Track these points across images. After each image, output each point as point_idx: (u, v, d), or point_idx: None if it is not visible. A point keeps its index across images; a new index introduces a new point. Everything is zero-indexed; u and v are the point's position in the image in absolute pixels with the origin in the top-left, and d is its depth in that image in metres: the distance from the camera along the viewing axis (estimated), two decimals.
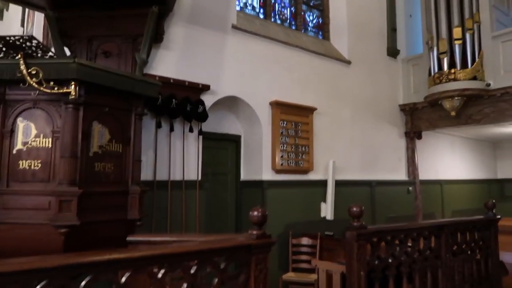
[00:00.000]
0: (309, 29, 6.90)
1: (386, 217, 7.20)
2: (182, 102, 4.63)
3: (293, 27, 6.64)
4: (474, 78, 6.51)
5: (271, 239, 2.00)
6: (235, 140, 5.87)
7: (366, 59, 7.24)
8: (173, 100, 4.54)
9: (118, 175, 3.60)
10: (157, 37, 4.58)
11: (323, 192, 6.14)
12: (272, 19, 6.35)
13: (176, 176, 4.65)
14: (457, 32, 6.61)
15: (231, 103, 5.56)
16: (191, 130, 4.70)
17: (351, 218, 2.54)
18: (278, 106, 5.65)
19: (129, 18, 4.48)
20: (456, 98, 6.64)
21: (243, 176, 5.81)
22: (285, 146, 5.68)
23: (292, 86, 5.98)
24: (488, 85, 6.50)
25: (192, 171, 4.81)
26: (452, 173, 9.20)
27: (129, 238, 2.58)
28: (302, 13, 6.80)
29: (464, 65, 6.53)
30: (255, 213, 1.98)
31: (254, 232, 1.97)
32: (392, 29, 7.78)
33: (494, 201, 3.79)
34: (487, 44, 6.60)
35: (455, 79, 6.54)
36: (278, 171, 5.62)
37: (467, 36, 6.56)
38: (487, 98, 6.61)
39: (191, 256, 1.72)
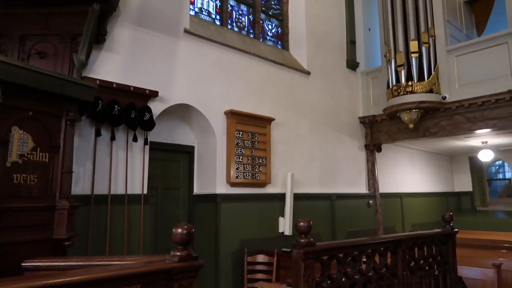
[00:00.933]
0: (268, 39, 6.72)
1: (346, 232, 7.03)
2: (126, 109, 4.26)
3: (251, 36, 6.45)
4: (431, 91, 6.53)
5: (198, 262, 1.68)
6: (188, 152, 5.52)
7: (326, 71, 7.14)
8: (116, 106, 4.16)
9: (43, 188, 3.18)
10: (99, 38, 4.21)
11: (281, 206, 5.87)
12: (229, 26, 6.13)
13: (118, 190, 4.23)
14: (413, 45, 6.65)
15: (183, 112, 5.24)
16: (135, 139, 4.31)
17: (297, 234, 2.27)
18: (234, 116, 5.38)
19: (67, 16, 4.11)
20: (413, 110, 6.64)
21: (196, 190, 5.46)
22: (240, 158, 5.39)
23: (248, 95, 5.73)
24: (444, 98, 6.55)
25: (137, 184, 4.41)
26: (411, 186, 9.24)
27: (25, 264, 2.16)
28: (261, 22, 6.63)
29: (421, 78, 6.56)
30: (179, 230, 1.66)
31: (177, 253, 1.65)
32: (351, 42, 7.77)
33: (451, 213, 3.65)
34: (442, 58, 6.67)
35: (412, 92, 6.54)
36: (233, 184, 5.30)
37: (423, 49, 6.61)
38: (443, 111, 6.65)
39: (91, 286, 1.37)
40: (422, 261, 3.22)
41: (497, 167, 11.20)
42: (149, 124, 4.42)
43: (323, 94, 7.02)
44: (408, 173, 9.22)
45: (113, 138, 4.15)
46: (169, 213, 5.22)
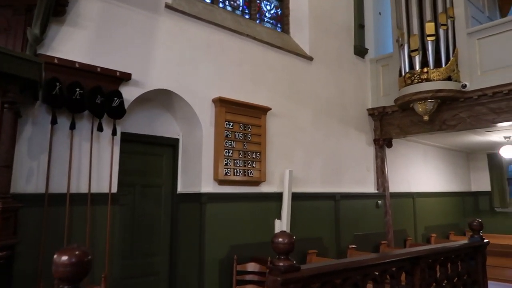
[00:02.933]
0: (265, 20, 6.03)
1: (353, 235, 6.33)
2: (91, 93, 3.62)
3: (247, 16, 5.76)
4: (449, 79, 5.79)
5: None
6: (171, 145, 4.88)
7: (331, 57, 6.43)
8: (77, 89, 3.52)
9: None
10: (58, 9, 3.57)
11: (278, 207, 5.19)
12: (221, 5, 5.45)
13: (81, 188, 3.60)
14: (429, 27, 5.91)
15: (165, 99, 4.60)
16: (100, 129, 3.66)
17: (276, 254, 1.60)
18: (223, 104, 4.71)
19: None
20: (429, 100, 5.89)
21: (181, 188, 4.81)
22: (230, 152, 4.73)
23: (241, 81, 5.06)
24: (464, 86, 5.79)
25: (105, 181, 3.78)
26: (424, 185, 8.47)
27: None
28: (258, 1, 5.94)
29: (437, 64, 5.81)
30: (64, 257, 1.01)
31: None
32: (359, 26, 7.04)
33: (480, 220, 2.94)
34: (462, 41, 5.92)
35: (427, 79, 5.80)
36: (221, 182, 4.65)
37: (441, 32, 5.87)
38: (462, 101, 5.90)
39: None
40: (445, 282, 2.53)
41: None
42: (119, 112, 3.77)
43: (328, 82, 6.31)
44: (421, 171, 8.45)
45: (72, 127, 3.51)
46: (149, 215, 4.58)
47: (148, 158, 4.68)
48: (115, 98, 3.74)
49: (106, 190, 3.74)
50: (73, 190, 3.53)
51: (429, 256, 2.31)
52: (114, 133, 3.76)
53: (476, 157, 10.29)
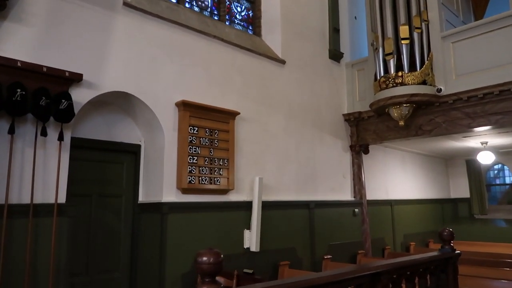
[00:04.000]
0: (236, 22, 5.82)
1: (328, 245, 6.09)
2: (34, 95, 3.31)
3: (216, 18, 5.54)
4: (424, 83, 5.66)
5: None
6: (133, 152, 4.58)
7: (304, 60, 6.24)
8: (18, 90, 3.21)
9: None
10: None
11: (247, 216, 4.93)
12: (188, 5, 5.22)
13: (23, 198, 3.28)
14: (403, 30, 5.77)
15: (125, 103, 4.32)
16: (43, 133, 3.35)
17: (200, 275, 1.34)
18: (187, 108, 4.45)
19: None
20: (404, 105, 5.74)
21: (142, 198, 4.51)
22: (195, 158, 4.45)
23: (207, 84, 4.81)
24: (439, 90, 5.66)
25: (53, 191, 3.46)
26: (403, 192, 8.32)
27: None
28: (227, 2, 5.72)
29: (412, 67, 5.68)
30: None
31: None
32: (334, 30, 6.88)
33: (451, 230, 2.74)
34: (436, 44, 5.81)
35: (402, 83, 5.66)
36: (185, 191, 4.36)
37: (415, 35, 5.74)
38: (438, 105, 5.77)
39: None
40: None
41: (496, 171, 10.34)
42: (66, 115, 3.46)
43: (301, 87, 6.11)
44: (400, 178, 8.31)
45: (11, 131, 3.19)
46: (107, 227, 4.26)
47: (107, 166, 4.38)
48: (63, 100, 3.44)
49: (52, 201, 3.42)
50: (13, 201, 3.20)
51: (391, 271, 2.08)
52: (61, 138, 3.45)
53: (454, 163, 10.23)
